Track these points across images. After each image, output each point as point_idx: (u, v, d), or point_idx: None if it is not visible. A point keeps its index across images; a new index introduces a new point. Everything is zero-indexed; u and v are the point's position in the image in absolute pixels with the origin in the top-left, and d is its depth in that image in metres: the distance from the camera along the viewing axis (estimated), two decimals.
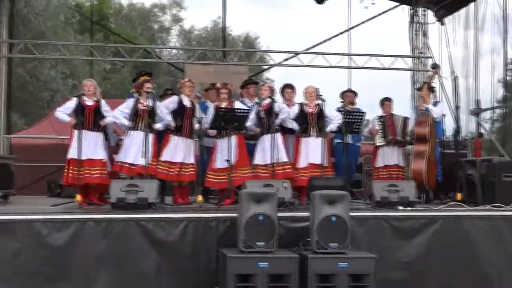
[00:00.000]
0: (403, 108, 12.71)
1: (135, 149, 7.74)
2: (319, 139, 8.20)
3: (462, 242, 6.69)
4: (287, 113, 8.26)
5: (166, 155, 7.93)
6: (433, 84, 9.13)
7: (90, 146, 7.77)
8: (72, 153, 7.70)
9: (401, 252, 6.58)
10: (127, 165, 7.79)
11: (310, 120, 8.32)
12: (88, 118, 7.88)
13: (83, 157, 7.67)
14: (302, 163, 8.24)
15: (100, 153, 7.87)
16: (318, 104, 8.33)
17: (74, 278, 6.00)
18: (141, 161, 7.63)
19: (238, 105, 8.21)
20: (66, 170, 7.77)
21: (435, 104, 9.00)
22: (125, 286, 6.10)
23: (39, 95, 21.49)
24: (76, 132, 7.74)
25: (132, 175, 7.82)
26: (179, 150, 7.96)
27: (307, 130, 8.32)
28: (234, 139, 7.96)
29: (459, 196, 8.03)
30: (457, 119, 9.02)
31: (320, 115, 8.25)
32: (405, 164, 9.20)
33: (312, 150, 8.20)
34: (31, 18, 20.22)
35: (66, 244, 6.01)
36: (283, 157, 8.07)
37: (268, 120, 8.15)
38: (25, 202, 8.59)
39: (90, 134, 7.83)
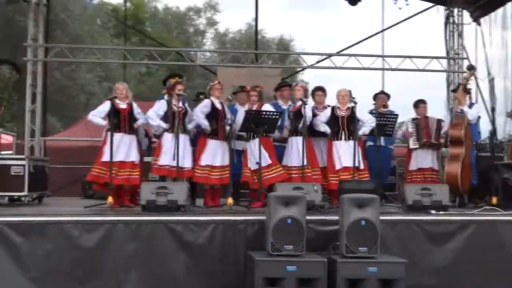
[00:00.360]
0: (438, 110, 12.54)
1: (179, 152, 7.77)
2: (351, 142, 8.11)
3: (497, 247, 6.54)
4: (309, 118, 8.14)
5: (205, 160, 7.97)
6: (468, 86, 8.94)
7: (125, 148, 7.88)
8: (106, 156, 7.74)
9: (433, 257, 6.47)
10: (174, 169, 7.78)
11: (341, 124, 8.25)
12: (124, 121, 7.96)
13: (119, 159, 7.80)
14: (336, 166, 8.17)
15: (134, 155, 7.95)
16: (350, 108, 8.26)
17: (104, 280, 6.05)
18: (187, 164, 7.81)
19: (267, 107, 8.18)
20: (97, 171, 7.84)
21: (471, 106, 8.80)
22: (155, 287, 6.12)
23: (76, 98, 21.87)
24: (111, 135, 7.78)
25: (179, 177, 7.82)
26: (218, 154, 8.00)
27: (338, 133, 8.25)
28: (261, 142, 7.91)
29: (494, 200, 7.86)
30: (493, 122, 8.83)
31: (352, 118, 8.17)
32: (439, 167, 9.03)
33: (344, 154, 8.13)
34: (69, 22, 20.57)
35: (96, 245, 6.07)
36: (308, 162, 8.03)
37: (296, 123, 8.11)
38: (58, 204, 8.71)
39: (125, 137, 7.94)
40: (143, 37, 22.35)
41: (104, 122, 7.96)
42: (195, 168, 7.94)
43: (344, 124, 8.23)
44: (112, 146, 7.65)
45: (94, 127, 9.77)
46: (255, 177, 7.94)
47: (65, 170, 11.95)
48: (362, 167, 8.06)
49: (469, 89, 9.18)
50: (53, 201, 9.31)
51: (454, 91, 9.68)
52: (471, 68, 9.67)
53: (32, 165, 8.66)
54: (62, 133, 15.24)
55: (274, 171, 7.96)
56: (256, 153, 7.82)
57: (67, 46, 11.84)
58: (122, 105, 8.05)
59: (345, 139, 8.20)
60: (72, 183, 11.71)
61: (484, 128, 9.26)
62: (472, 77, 9.40)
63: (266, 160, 7.94)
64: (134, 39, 23.55)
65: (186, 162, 7.89)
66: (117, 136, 7.81)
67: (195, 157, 8.04)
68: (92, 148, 11.99)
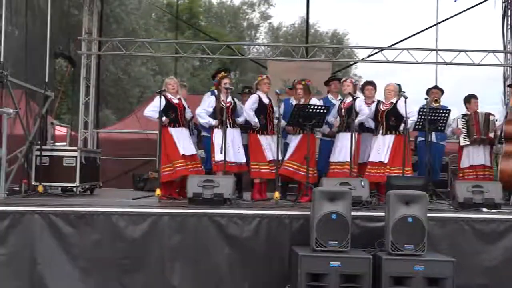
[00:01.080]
0: (494, 106, 12.21)
1: (235, 147, 7.93)
2: (387, 137, 8.03)
3: None
4: (365, 115, 8.12)
5: (269, 155, 8.03)
6: None
7: (186, 142, 8.02)
8: (182, 150, 7.86)
9: (484, 256, 6.29)
10: (233, 164, 7.89)
11: (380, 118, 8.13)
12: (180, 116, 8.04)
13: (189, 153, 7.95)
14: (372, 160, 8.09)
15: (193, 149, 8.13)
16: (393, 102, 8.11)
17: (149, 270, 6.13)
18: (243, 158, 7.96)
19: (314, 101, 8.11)
20: (167, 169, 7.85)
21: None
22: (199, 279, 6.16)
23: (131, 91, 22.20)
24: (173, 130, 7.92)
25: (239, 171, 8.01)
26: (270, 149, 8.02)
27: (378, 128, 8.16)
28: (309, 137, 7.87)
29: None
30: None
31: (393, 113, 8.03)
32: (492, 164, 8.77)
33: (379, 148, 8.03)
34: (124, 16, 20.90)
35: (142, 236, 6.15)
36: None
37: (347, 119, 8.04)
38: (108, 195, 8.89)
39: (184, 131, 8.08)
40: (197, 31, 22.52)
41: (164, 118, 7.83)
42: (260, 165, 8.00)
43: (383, 118, 8.10)
44: (182, 140, 7.91)
45: (146, 120, 9.89)
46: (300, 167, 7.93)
47: (117, 162, 12.19)
48: (386, 161, 7.93)
49: None
50: (104, 192, 9.50)
51: (510, 86, 9.38)
52: None
53: (84, 157, 8.84)
54: (115, 126, 15.52)
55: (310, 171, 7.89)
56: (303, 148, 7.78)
57: (120, 40, 12.02)
58: (175, 100, 8.11)
59: (382, 134, 8.09)
60: (124, 174, 11.93)
61: None
62: None
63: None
64: (188, 33, 23.75)
65: (241, 157, 7.96)
66: (179, 130, 7.96)
67: (251, 154, 8.09)
68: (142, 140, 12.26)
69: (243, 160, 8.05)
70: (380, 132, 8.12)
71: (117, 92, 21.64)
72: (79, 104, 11.61)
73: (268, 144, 8.05)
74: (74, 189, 8.69)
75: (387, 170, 7.90)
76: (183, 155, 7.89)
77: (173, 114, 7.96)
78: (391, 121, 8.05)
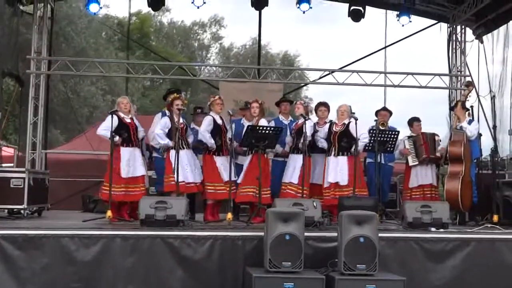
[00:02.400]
0: (441, 127, 12.54)
1: (192, 167, 7.93)
2: (340, 158, 8.14)
3: (497, 266, 6.52)
4: (309, 137, 8.09)
5: (222, 176, 8.02)
6: (467, 103, 8.93)
7: (136, 162, 7.95)
8: (124, 172, 7.79)
9: (433, 275, 6.44)
10: (192, 184, 7.91)
11: (333, 139, 8.25)
12: (133, 135, 7.99)
13: (134, 174, 7.90)
14: (325, 183, 8.19)
15: (143, 170, 8.05)
16: (345, 124, 8.25)
17: None
18: (198, 179, 7.97)
19: (263, 122, 8.18)
20: (107, 188, 7.72)
21: (470, 122, 8.78)
22: None
23: (80, 111, 21.85)
24: (124, 149, 7.85)
25: (192, 192, 8.00)
26: (225, 170, 7.99)
27: (330, 149, 8.27)
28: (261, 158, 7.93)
29: (495, 218, 7.80)
30: (494, 139, 8.76)
31: (345, 134, 8.17)
32: (438, 184, 9.00)
33: (333, 170, 8.14)
34: (74, 35, 20.65)
35: (94, 259, 6.06)
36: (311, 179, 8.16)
37: (297, 140, 8.12)
38: (57, 217, 8.69)
39: (137, 150, 8.02)
40: (147, 51, 22.44)
41: (117, 137, 7.77)
42: (217, 186, 8.01)
43: (335, 139, 8.22)
44: (130, 162, 7.87)
45: (96, 141, 9.75)
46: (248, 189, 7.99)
47: (66, 183, 11.95)
48: (344, 183, 8.03)
49: (471, 106, 9.18)
50: (53, 214, 9.30)
51: (452, 108, 9.68)
52: (469, 84, 9.68)
53: (32, 178, 8.66)
54: (64, 146, 15.25)
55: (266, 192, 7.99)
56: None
57: (70, 59, 11.86)
58: (127, 119, 8.06)
59: (334, 155, 8.20)
60: (73, 196, 11.71)
61: (486, 146, 9.23)
62: (471, 94, 9.40)
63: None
64: (139, 53, 23.63)
65: (198, 177, 7.96)
66: (130, 150, 7.90)
67: (205, 175, 8.09)
68: (93, 161, 12.06)
69: (200, 180, 8.06)
70: (333, 153, 8.22)
71: (65, 112, 21.26)
72: (27, 124, 11.36)
73: (223, 164, 8.05)
74: (22, 211, 8.48)
75: (345, 191, 7.99)
76: (131, 177, 7.85)
77: (126, 133, 7.91)
78: (343, 142, 8.17)
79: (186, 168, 7.86)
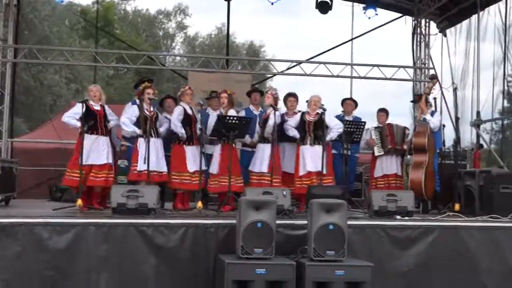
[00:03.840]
0: (405, 118, 12.83)
1: (158, 157, 7.92)
2: (317, 147, 8.26)
3: (460, 253, 6.73)
4: (270, 127, 8.20)
5: (192, 166, 8.05)
6: (431, 95, 9.18)
7: (101, 150, 7.90)
8: (83, 159, 7.70)
9: (399, 261, 6.62)
10: (155, 173, 7.87)
11: (308, 129, 8.38)
12: (99, 122, 7.97)
13: (97, 162, 7.84)
14: (300, 171, 8.32)
15: (110, 157, 8.00)
16: (318, 113, 8.39)
17: (75, 281, 6.03)
18: (164, 168, 7.94)
19: (232, 112, 8.28)
20: (70, 174, 7.77)
21: (432, 114, 9.02)
22: None
23: (43, 100, 21.61)
24: (88, 136, 7.81)
25: (159, 182, 7.92)
26: (196, 159, 8.03)
27: (304, 138, 8.40)
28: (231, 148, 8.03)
29: (457, 206, 8.04)
30: (456, 130, 9.04)
31: (319, 124, 8.30)
32: (403, 174, 9.24)
33: (309, 158, 8.28)
34: (37, 23, 20.36)
35: (67, 247, 6.05)
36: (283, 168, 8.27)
37: (264, 129, 8.27)
38: (26, 206, 8.65)
39: (101, 139, 7.96)
40: (112, 39, 22.25)
41: (79, 124, 7.81)
42: (183, 176, 8.03)
43: (310, 129, 8.37)
44: (94, 148, 7.79)
45: (62, 129, 9.71)
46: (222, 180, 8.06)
47: (32, 172, 11.85)
48: (325, 172, 8.17)
49: (434, 98, 9.44)
50: (20, 203, 9.22)
51: (416, 101, 9.92)
52: (433, 77, 9.93)
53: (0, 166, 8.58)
54: (29, 135, 15.09)
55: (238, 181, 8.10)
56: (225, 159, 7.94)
57: (37, 47, 11.75)
58: (96, 107, 8.05)
59: (310, 144, 8.35)
60: (39, 185, 11.63)
61: (448, 137, 9.53)
62: (435, 87, 9.65)
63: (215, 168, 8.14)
64: (103, 41, 23.43)
65: (163, 166, 7.97)
66: (93, 137, 7.85)
67: (172, 164, 8.11)
68: (59, 150, 11.99)
69: (165, 169, 8.08)
70: (309, 142, 8.36)
71: (28, 101, 20.99)
72: None
73: (193, 155, 8.12)
74: None
75: (326, 180, 8.15)
76: (92, 164, 7.82)
77: (92, 121, 7.90)
78: (319, 131, 8.28)
79: (152, 157, 7.86)
